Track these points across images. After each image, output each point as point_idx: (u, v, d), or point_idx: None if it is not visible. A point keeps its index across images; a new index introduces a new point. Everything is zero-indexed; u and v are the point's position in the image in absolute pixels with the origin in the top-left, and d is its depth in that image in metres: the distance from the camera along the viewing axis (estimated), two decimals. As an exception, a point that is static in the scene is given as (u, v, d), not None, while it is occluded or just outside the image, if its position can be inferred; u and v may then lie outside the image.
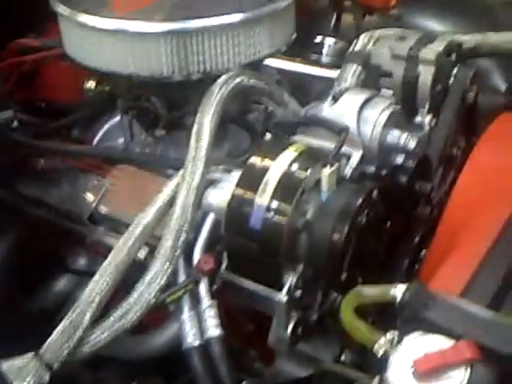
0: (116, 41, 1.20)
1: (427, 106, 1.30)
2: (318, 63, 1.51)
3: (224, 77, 1.16)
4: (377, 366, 0.83)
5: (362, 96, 1.17)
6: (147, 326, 1.15)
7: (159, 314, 1.09)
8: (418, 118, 1.29)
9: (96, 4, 1.27)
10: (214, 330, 1.03)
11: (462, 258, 1.00)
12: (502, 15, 1.69)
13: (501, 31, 1.47)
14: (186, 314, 1.05)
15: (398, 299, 0.83)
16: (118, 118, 1.43)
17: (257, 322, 1.27)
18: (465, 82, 1.34)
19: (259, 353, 1.31)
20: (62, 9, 1.26)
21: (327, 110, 1.19)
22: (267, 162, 1.05)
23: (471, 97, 1.36)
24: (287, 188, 1.02)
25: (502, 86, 1.60)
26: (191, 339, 1.03)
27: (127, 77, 1.24)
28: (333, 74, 1.41)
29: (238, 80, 1.17)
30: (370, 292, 0.87)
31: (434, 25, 1.66)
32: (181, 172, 1.09)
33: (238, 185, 1.05)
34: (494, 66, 1.60)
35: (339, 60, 1.47)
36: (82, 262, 1.29)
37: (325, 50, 1.57)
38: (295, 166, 1.04)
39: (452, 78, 1.34)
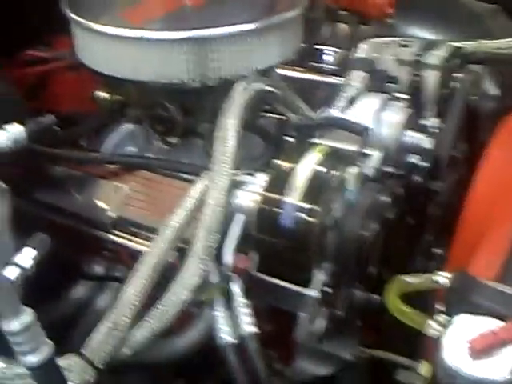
0: (135, 48, 1.22)
1: (434, 110, 1.35)
2: (320, 71, 1.54)
3: (243, 82, 1.20)
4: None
5: (378, 99, 1.21)
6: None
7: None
8: (425, 121, 1.34)
9: (109, 12, 1.30)
10: (249, 327, 1.06)
11: (492, 247, 1.05)
12: (489, 23, 1.76)
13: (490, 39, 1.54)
14: (220, 313, 1.07)
15: (444, 285, 0.87)
16: (129, 127, 1.45)
17: (275, 321, 1.29)
18: (467, 87, 1.39)
19: (278, 352, 1.33)
20: (77, 17, 1.28)
21: (342, 113, 1.23)
22: (294, 163, 1.09)
23: (473, 101, 1.41)
24: (315, 187, 1.06)
25: (492, 92, 1.65)
26: (226, 336, 1.06)
27: (142, 84, 1.27)
28: (336, 81, 1.45)
29: (256, 85, 1.20)
30: (413, 280, 0.91)
31: (426, 34, 1.71)
32: (207, 175, 1.11)
33: (268, 186, 1.08)
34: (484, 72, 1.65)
35: (340, 68, 1.51)
36: (102, 267, 1.30)
37: (325, 58, 1.61)
38: (321, 167, 1.08)
39: (455, 83, 1.39)
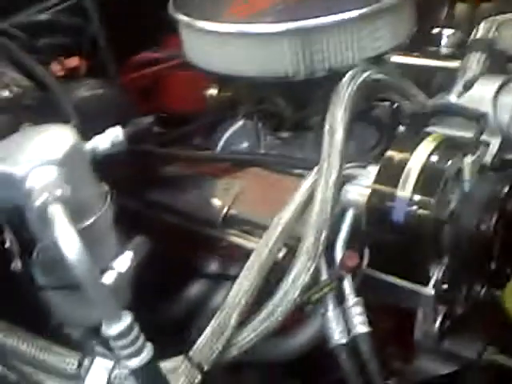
0: (240, 44, 1.21)
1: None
2: (437, 55, 1.47)
3: (352, 72, 1.15)
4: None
5: (496, 81, 1.14)
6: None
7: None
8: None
9: (214, 10, 1.29)
10: (361, 326, 1.01)
11: None
12: None
13: None
14: (332, 312, 1.03)
15: None
16: (239, 124, 1.44)
17: (394, 320, 1.24)
18: None
19: (397, 351, 1.29)
20: (183, 17, 1.28)
21: (458, 99, 1.17)
22: (406, 154, 1.04)
23: None
24: (429, 179, 1.00)
25: None
26: (338, 336, 1.02)
27: (251, 80, 1.25)
28: (454, 64, 1.37)
29: (366, 74, 1.16)
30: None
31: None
32: (316, 169, 1.08)
33: (378, 179, 1.04)
34: None
35: (459, 50, 1.44)
36: (215, 266, 1.29)
37: (443, 42, 1.53)
38: (435, 157, 1.02)
39: None
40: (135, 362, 0.79)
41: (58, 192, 0.80)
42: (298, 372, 1.29)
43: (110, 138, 0.99)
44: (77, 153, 0.87)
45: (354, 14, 1.18)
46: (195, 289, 1.31)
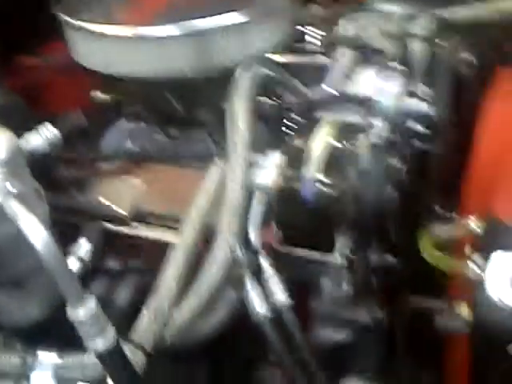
0: (133, 47, 1.25)
1: (421, 79, 1.40)
2: (305, 52, 1.58)
3: (244, 66, 1.23)
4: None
5: (372, 69, 1.27)
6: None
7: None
8: (417, 89, 1.39)
9: (104, 12, 1.32)
10: (283, 297, 1.10)
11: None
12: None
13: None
14: (251, 286, 1.11)
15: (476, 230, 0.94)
16: (124, 125, 1.47)
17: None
18: (453, 55, 1.44)
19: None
20: (71, 19, 1.30)
21: (340, 89, 1.28)
22: (307, 139, 1.14)
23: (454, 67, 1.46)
24: (331, 159, 1.12)
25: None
26: (260, 308, 1.10)
27: (140, 79, 1.29)
28: (323, 60, 1.49)
29: (257, 69, 1.24)
30: (444, 228, 0.97)
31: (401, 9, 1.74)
32: (222, 159, 1.16)
33: (285, 162, 1.13)
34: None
35: (326, 47, 1.55)
36: (123, 261, 1.32)
37: (308, 40, 1.64)
38: (334, 139, 1.13)
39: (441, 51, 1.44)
40: (102, 343, 0.83)
41: (11, 189, 0.82)
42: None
43: (48, 138, 1.01)
44: (18, 152, 0.89)
45: (243, 14, 1.27)
46: (101, 285, 1.32)
